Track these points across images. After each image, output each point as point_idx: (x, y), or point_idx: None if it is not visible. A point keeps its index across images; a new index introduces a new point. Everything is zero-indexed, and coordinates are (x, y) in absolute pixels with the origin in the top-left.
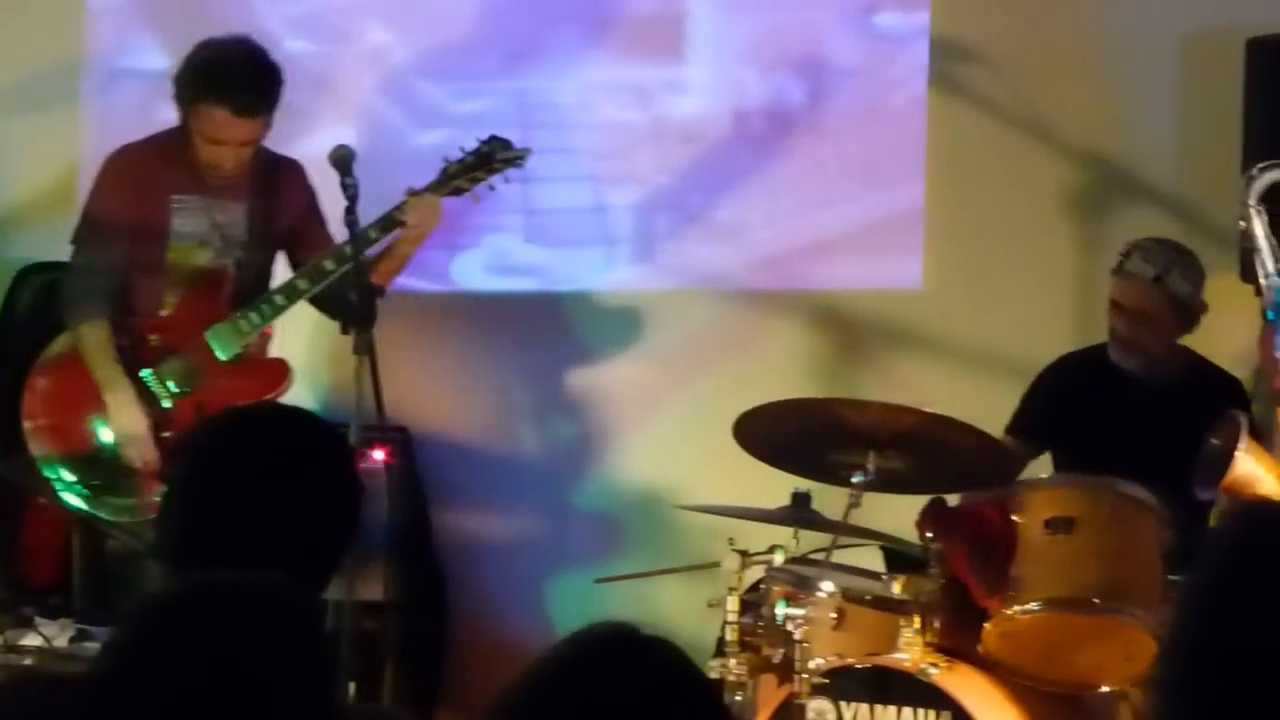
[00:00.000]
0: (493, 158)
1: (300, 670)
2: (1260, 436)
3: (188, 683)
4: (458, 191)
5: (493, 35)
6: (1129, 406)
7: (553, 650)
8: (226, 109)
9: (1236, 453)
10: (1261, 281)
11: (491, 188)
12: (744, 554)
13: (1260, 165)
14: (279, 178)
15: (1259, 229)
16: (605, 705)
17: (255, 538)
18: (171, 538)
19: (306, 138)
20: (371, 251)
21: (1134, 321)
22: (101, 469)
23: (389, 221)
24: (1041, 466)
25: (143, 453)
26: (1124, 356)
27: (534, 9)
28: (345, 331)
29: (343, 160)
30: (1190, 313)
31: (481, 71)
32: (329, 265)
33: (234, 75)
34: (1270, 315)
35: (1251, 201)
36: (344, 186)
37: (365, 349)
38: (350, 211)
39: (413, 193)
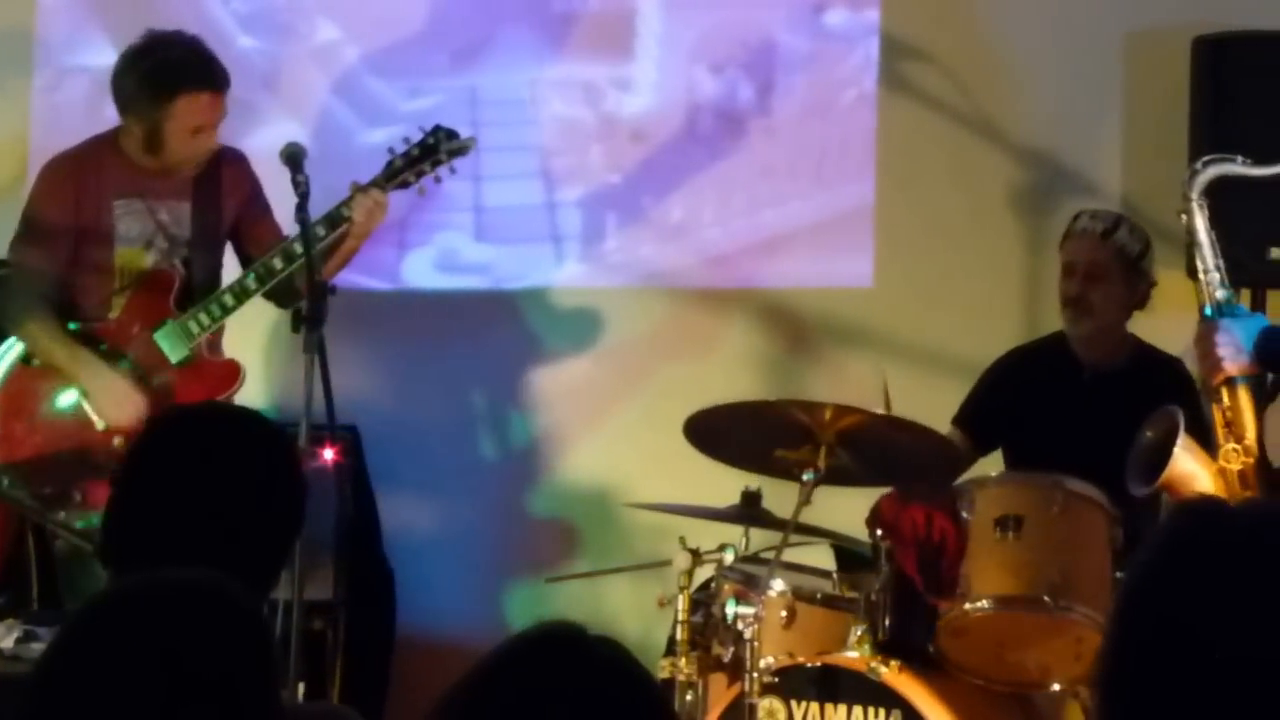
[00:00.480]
0: (438, 149)
1: (242, 669)
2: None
3: (127, 682)
4: (404, 185)
5: (443, 32)
6: (1078, 395)
7: (495, 650)
8: (208, 92)
9: (1175, 449)
10: (1200, 277)
11: (438, 179)
12: (694, 553)
13: (1204, 159)
14: (220, 171)
15: (1200, 223)
16: (547, 704)
17: (198, 538)
18: (115, 538)
19: (256, 134)
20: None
21: (1084, 279)
22: (50, 476)
23: (335, 218)
24: (993, 462)
25: (137, 412)
26: (1072, 320)
27: (484, 6)
28: (295, 330)
29: (294, 157)
30: (1138, 275)
31: (432, 69)
32: (278, 264)
33: (201, 59)
34: (1209, 311)
35: (1194, 195)
36: (295, 184)
37: (314, 348)
38: (301, 209)
39: (358, 188)
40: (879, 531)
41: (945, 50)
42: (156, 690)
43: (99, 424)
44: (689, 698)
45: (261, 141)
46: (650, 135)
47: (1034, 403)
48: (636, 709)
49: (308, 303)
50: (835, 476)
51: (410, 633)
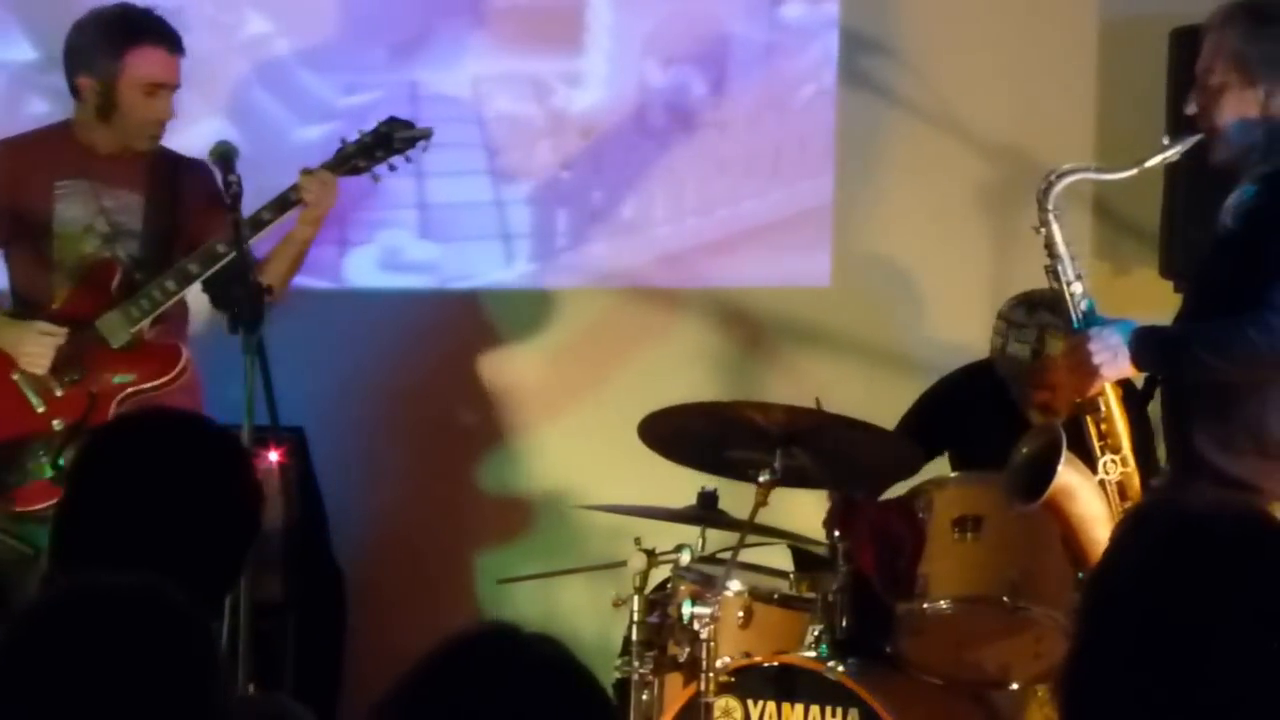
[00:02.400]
0: (391, 138)
1: (180, 672)
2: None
3: (63, 685)
4: (355, 171)
5: (380, 25)
6: (1017, 415)
7: (432, 651)
8: (162, 48)
9: (1059, 466)
10: (1065, 289)
11: (392, 168)
12: (650, 553)
13: (1056, 171)
14: (180, 175)
15: (1058, 235)
16: (485, 703)
17: (148, 542)
18: (66, 539)
19: (185, 133)
20: (268, 243)
21: (1048, 391)
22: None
23: (283, 202)
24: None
25: (43, 356)
26: (1033, 417)
27: None
28: (232, 331)
29: (225, 156)
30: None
31: (369, 63)
32: (221, 249)
33: (158, 18)
34: (1076, 325)
35: (1050, 206)
36: (226, 185)
37: (254, 349)
38: (233, 209)
39: (307, 171)
40: (836, 532)
41: (908, 43)
42: (94, 693)
43: (38, 406)
44: (645, 697)
45: (191, 140)
46: (601, 131)
47: (976, 419)
48: (576, 706)
49: (244, 304)
50: (791, 478)
51: (361, 634)
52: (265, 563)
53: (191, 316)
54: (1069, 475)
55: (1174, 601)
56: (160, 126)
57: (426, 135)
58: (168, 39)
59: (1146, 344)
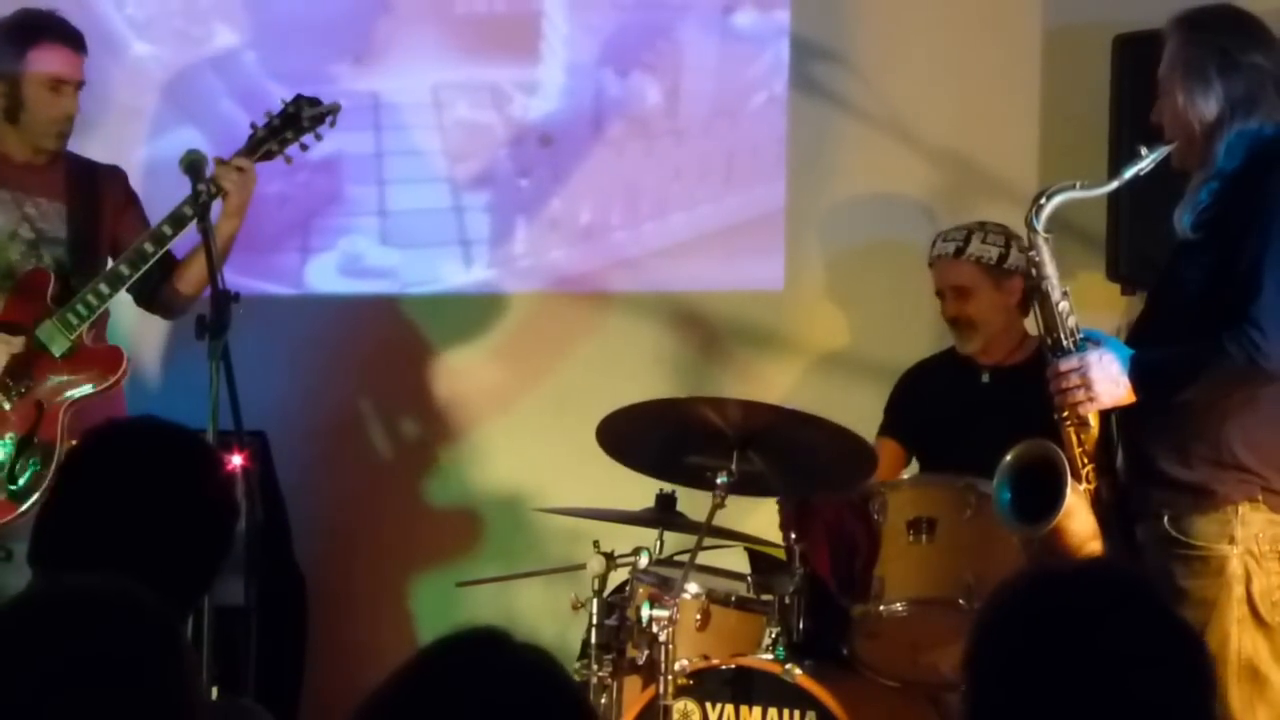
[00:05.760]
0: (299, 117)
1: (151, 675)
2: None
3: (31, 686)
4: (269, 156)
5: (344, 37)
6: (980, 397)
7: (416, 654)
8: (63, 45)
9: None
10: (1054, 308)
11: (304, 147)
12: (609, 556)
13: (1046, 190)
14: (97, 181)
15: (1047, 255)
16: (469, 708)
17: (125, 547)
18: (46, 541)
19: (155, 143)
20: (185, 244)
21: (954, 300)
22: None
23: (199, 196)
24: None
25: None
26: (961, 339)
27: (386, 10)
28: (200, 337)
29: (194, 166)
30: (1005, 275)
31: (333, 73)
32: (149, 248)
33: (56, 18)
34: (1065, 342)
35: (1039, 229)
36: (196, 194)
37: (218, 355)
38: (203, 219)
39: (221, 161)
40: (792, 534)
41: (857, 51)
42: (63, 695)
43: (5, 404)
44: (604, 700)
45: (161, 150)
46: (558, 138)
47: (939, 410)
48: (559, 713)
49: (211, 311)
50: (749, 484)
51: (322, 637)
52: (227, 567)
53: (153, 322)
54: (1070, 495)
55: (1041, 646)
56: (67, 123)
57: (334, 110)
58: (69, 37)
59: (1146, 376)
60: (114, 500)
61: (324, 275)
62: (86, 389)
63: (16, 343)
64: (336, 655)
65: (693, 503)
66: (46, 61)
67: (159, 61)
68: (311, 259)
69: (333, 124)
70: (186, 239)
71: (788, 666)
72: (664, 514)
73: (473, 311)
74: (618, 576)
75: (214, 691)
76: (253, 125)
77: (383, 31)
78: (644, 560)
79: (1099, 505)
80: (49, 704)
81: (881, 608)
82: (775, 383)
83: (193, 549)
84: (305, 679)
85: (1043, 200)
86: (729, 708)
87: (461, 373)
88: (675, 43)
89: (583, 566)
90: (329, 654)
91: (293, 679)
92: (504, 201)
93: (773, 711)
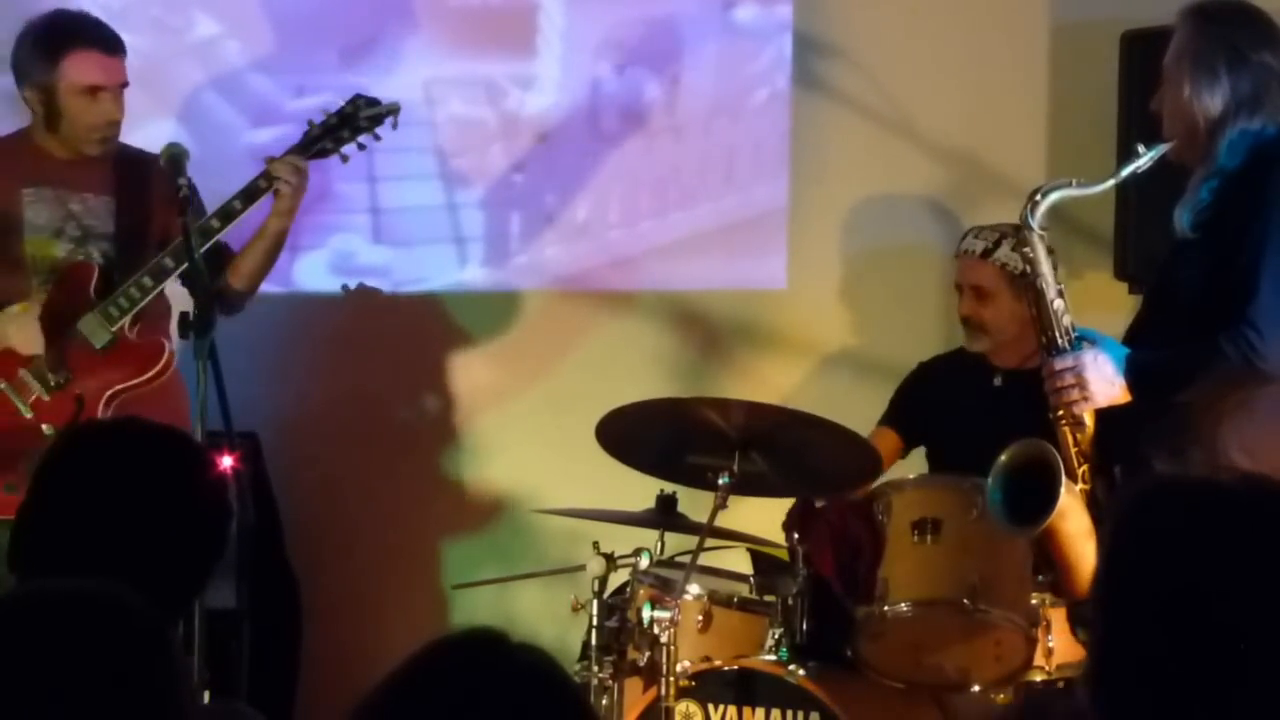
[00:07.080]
0: (357, 116)
1: (140, 679)
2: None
3: (19, 690)
4: (323, 154)
5: (331, 28)
6: (991, 399)
7: (415, 654)
8: (96, 50)
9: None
10: (1049, 306)
11: (361, 146)
12: (609, 557)
13: (1041, 188)
14: (146, 172)
15: (1042, 253)
16: (469, 709)
17: (108, 550)
18: (25, 545)
19: (134, 135)
20: (239, 237)
21: (971, 299)
22: None
23: (253, 191)
24: (915, 462)
25: (34, 338)
26: (969, 338)
27: (374, 1)
28: (184, 336)
29: (175, 159)
30: (1028, 287)
31: (320, 66)
32: (195, 242)
33: (92, 21)
34: (1061, 342)
35: (1036, 226)
36: (177, 188)
37: (205, 354)
38: (184, 213)
39: (273, 159)
40: (795, 535)
41: (861, 46)
42: (50, 698)
43: (26, 412)
44: (604, 702)
45: (140, 142)
46: (554, 134)
47: (948, 409)
48: (559, 715)
49: (195, 309)
50: (751, 484)
51: (315, 639)
52: (219, 569)
53: None
54: (1065, 496)
55: (1204, 574)
56: (110, 128)
57: (395, 110)
58: (102, 40)
59: (1142, 376)
60: (100, 503)
61: (315, 273)
62: (124, 382)
63: (58, 335)
64: (330, 659)
65: (694, 503)
66: (80, 71)
67: (137, 51)
68: (302, 257)
69: (394, 125)
70: (243, 229)
71: (791, 668)
72: (665, 515)
73: (467, 310)
74: (618, 578)
75: (206, 696)
76: (309, 122)
77: (372, 23)
78: (645, 561)
79: (1094, 506)
80: (34, 710)
81: (886, 609)
82: (777, 383)
83: (184, 552)
84: (299, 683)
85: (1038, 197)
86: (731, 709)
87: (456, 372)
88: (675, 37)
89: (582, 568)
90: (323, 658)
91: (286, 683)
92: (498, 198)
93: (776, 713)
